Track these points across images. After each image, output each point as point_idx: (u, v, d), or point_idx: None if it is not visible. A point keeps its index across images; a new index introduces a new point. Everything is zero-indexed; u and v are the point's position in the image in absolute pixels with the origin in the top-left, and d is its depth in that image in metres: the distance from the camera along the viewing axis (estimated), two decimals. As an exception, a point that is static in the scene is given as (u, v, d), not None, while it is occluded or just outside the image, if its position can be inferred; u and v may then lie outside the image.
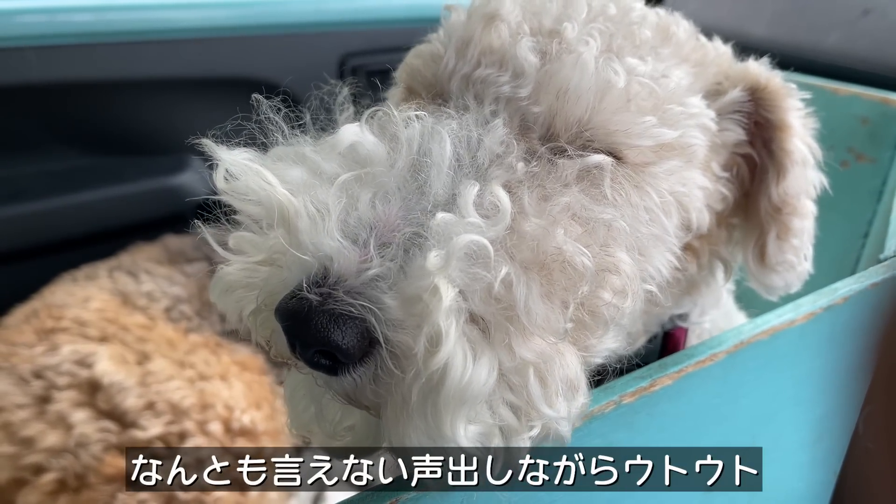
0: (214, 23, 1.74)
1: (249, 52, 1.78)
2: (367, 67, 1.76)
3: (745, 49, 1.69)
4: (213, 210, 0.59)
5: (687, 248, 0.76)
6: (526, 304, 0.51)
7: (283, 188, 0.54)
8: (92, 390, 1.34)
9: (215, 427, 1.35)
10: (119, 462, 1.28)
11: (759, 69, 0.77)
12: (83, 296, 1.51)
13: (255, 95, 0.60)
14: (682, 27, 0.76)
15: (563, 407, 0.54)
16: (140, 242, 1.70)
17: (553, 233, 0.55)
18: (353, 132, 0.59)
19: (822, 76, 1.54)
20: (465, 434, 0.49)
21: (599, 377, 0.73)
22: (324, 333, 0.48)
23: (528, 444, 0.54)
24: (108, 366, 1.36)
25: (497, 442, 0.52)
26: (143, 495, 1.26)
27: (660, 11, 0.77)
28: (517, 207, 0.57)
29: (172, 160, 1.67)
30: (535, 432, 0.54)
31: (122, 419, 1.32)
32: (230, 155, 0.57)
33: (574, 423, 0.57)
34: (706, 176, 0.72)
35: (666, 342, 0.85)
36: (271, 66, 1.77)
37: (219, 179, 0.56)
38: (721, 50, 0.79)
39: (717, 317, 0.93)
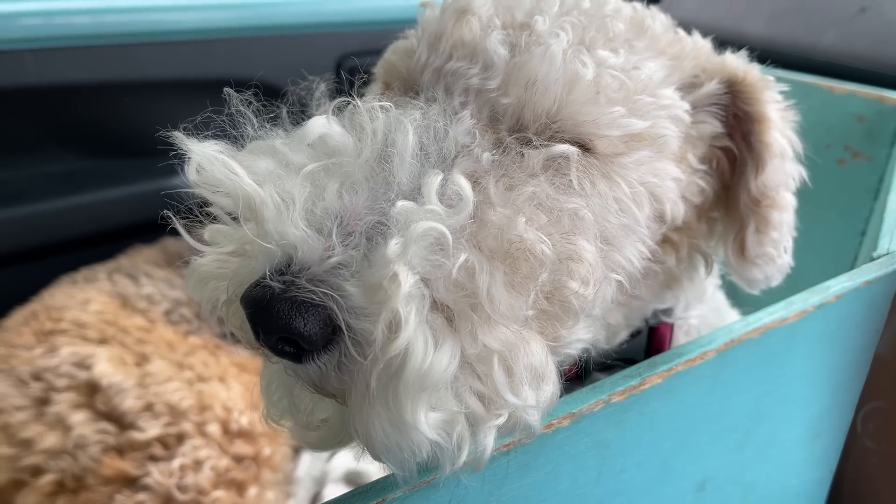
0: (211, 25, 1.75)
1: (246, 54, 1.79)
2: (364, 68, 1.76)
3: (742, 47, 1.69)
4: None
5: (665, 240, 0.76)
6: (489, 291, 0.52)
7: (250, 178, 0.54)
8: (90, 392, 1.35)
9: (213, 428, 1.35)
10: (117, 463, 1.28)
11: (737, 62, 0.77)
12: (82, 298, 1.51)
13: (227, 90, 0.60)
14: (658, 21, 0.76)
15: (529, 395, 0.54)
16: (139, 245, 1.71)
17: (516, 221, 0.55)
18: (320, 124, 0.60)
19: (820, 74, 1.53)
20: (427, 421, 0.50)
21: (579, 370, 0.73)
22: (285, 320, 0.49)
23: (494, 432, 0.54)
24: (106, 367, 1.36)
25: (460, 429, 0.52)
26: (141, 496, 1.26)
27: (636, 5, 0.77)
28: (482, 197, 0.57)
29: (170, 162, 1.67)
30: (501, 421, 0.54)
31: (120, 420, 1.32)
32: (200, 147, 0.57)
33: (543, 412, 0.58)
34: (680, 167, 0.72)
35: (651, 338, 0.85)
36: (268, 67, 1.77)
37: (191, 172, 0.56)
38: (699, 43, 0.79)
39: (707, 313, 0.93)
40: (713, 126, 0.76)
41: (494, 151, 0.62)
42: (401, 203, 0.52)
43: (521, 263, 0.55)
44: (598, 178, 0.65)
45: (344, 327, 0.50)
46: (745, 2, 1.77)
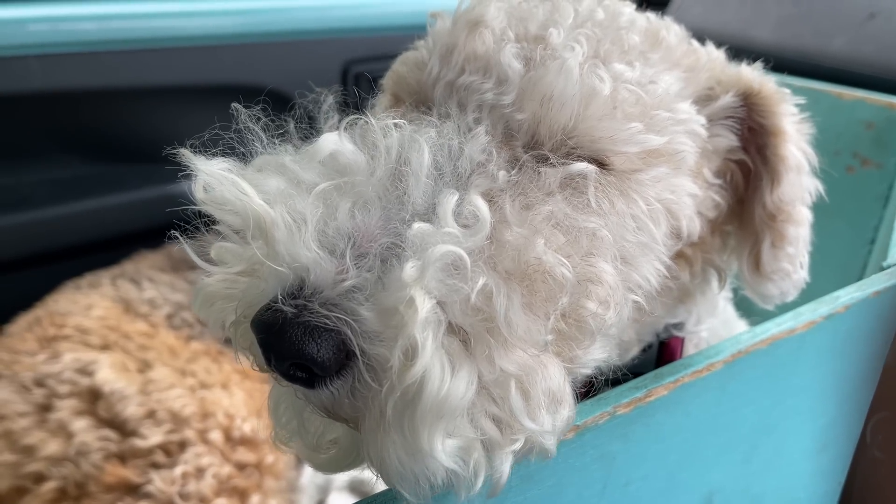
0: (218, 31, 1.75)
1: (252, 60, 1.78)
2: (370, 74, 1.76)
3: (750, 54, 1.68)
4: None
5: (679, 255, 0.74)
6: (506, 315, 0.50)
7: (260, 198, 0.53)
8: (93, 398, 1.34)
9: (216, 436, 1.34)
10: (119, 471, 1.27)
11: (752, 74, 0.76)
12: (86, 303, 1.51)
13: (234, 105, 0.59)
14: (672, 32, 0.75)
15: (546, 420, 0.53)
16: (143, 250, 1.70)
17: (534, 242, 0.54)
18: (332, 141, 0.58)
19: (828, 81, 1.52)
20: (444, 449, 0.48)
21: (589, 388, 0.72)
22: (298, 346, 0.48)
23: (511, 458, 0.53)
24: (108, 374, 1.36)
25: (477, 456, 0.51)
26: (143, 504, 1.26)
27: (650, 16, 0.76)
28: (499, 216, 0.56)
29: (175, 168, 1.67)
30: (517, 446, 0.53)
31: (122, 428, 1.32)
32: (207, 165, 0.56)
33: (559, 437, 0.56)
34: (696, 183, 0.70)
35: (662, 352, 0.84)
36: (274, 73, 1.77)
37: (198, 190, 0.55)
38: (714, 55, 0.78)
39: (717, 325, 0.92)
40: (728, 140, 0.75)
41: (510, 169, 0.61)
42: (417, 225, 0.51)
43: (540, 286, 0.53)
44: (616, 195, 0.63)
45: (358, 353, 0.49)
46: (753, 8, 1.76)
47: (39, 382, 1.36)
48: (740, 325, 1.02)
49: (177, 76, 1.71)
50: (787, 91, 0.77)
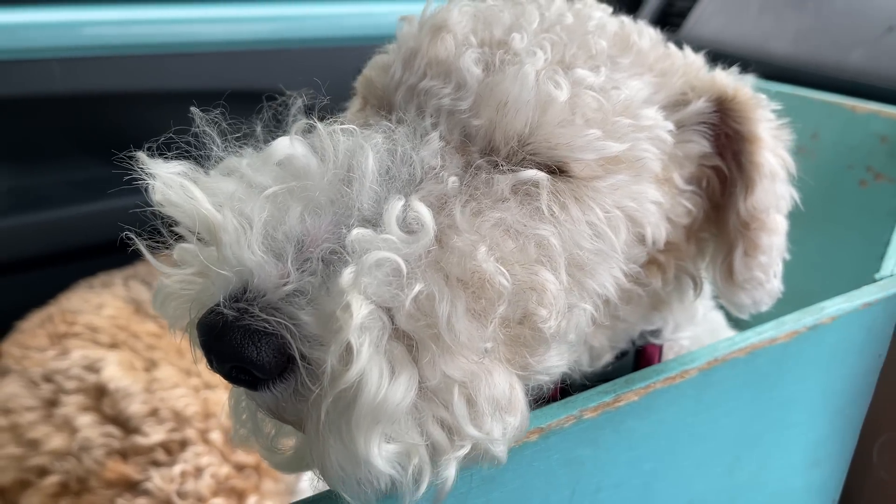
0: (236, 37, 1.78)
1: (270, 66, 1.81)
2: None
3: (767, 66, 1.66)
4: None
5: (651, 262, 0.73)
6: (449, 321, 0.51)
7: (209, 202, 0.54)
8: (98, 395, 1.36)
9: (216, 436, 1.35)
10: (120, 467, 1.29)
11: (727, 79, 0.75)
12: (97, 302, 1.54)
13: (192, 108, 0.59)
14: (646, 36, 0.74)
15: (493, 427, 0.53)
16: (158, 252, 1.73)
17: (478, 249, 0.54)
18: (283, 145, 0.59)
19: (846, 94, 1.50)
20: (380, 453, 0.48)
21: (561, 395, 0.71)
22: (237, 349, 0.48)
23: (455, 464, 0.52)
24: (115, 371, 1.38)
25: (417, 461, 0.51)
26: (141, 501, 1.27)
27: (625, 20, 0.75)
28: (448, 221, 0.56)
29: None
30: (463, 452, 0.53)
31: (125, 425, 1.34)
32: (160, 168, 0.56)
33: (510, 444, 0.56)
34: (663, 189, 0.69)
35: (638, 359, 0.83)
36: (291, 78, 1.79)
37: (156, 193, 0.55)
38: (690, 59, 0.77)
39: (700, 334, 0.90)
40: (701, 145, 0.74)
41: (463, 175, 0.61)
42: (356, 231, 0.51)
43: (482, 293, 0.54)
44: (571, 202, 0.62)
45: (298, 356, 0.49)
46: (771, 21, 1.74)
47: (47, 378, 1.38)
48: (727, 335, 1.00)
49: (195, 81, 1.74)
50: (764, 97, 0.76)
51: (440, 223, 0.55)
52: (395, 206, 0.53)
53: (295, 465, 0.60)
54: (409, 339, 0.51)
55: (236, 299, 0.50)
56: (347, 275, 0.48)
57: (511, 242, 0.57)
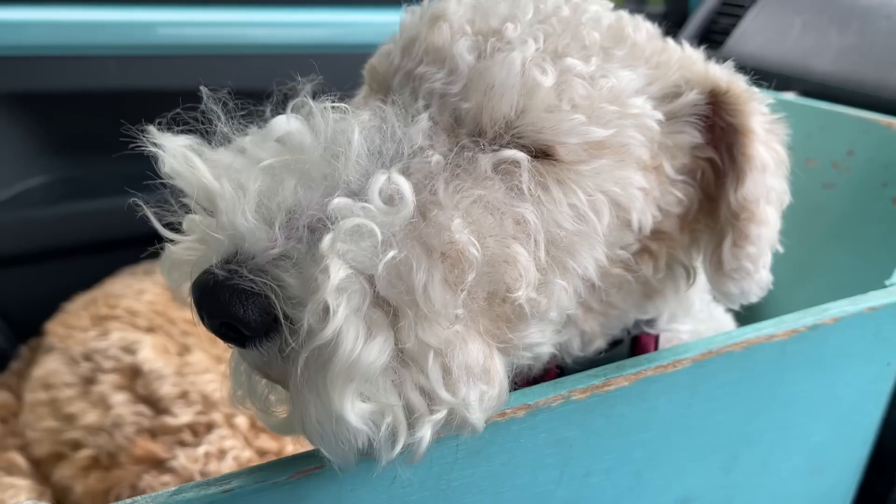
0: (280, 40, 1.84)
1: (308, 68, 1.87)
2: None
3: (809, 84, 1.64)
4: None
5: (644, 250, 0.75)
6: (425, 289, 0.54)
7: (209, 172, 0.58)
8: (133, 375, 1.42)
9: (241, 421, 1.40)
10: (149, 445, 1.34)
11: (720, 73, 0.76)
12: (138, 288, 1.60)
13: (202, 87, 0.64)
14: (642, 30, 0.76)
15: (469, 394, 0.56)
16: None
17: (453, 222, 0.57)
18: (282, 122, 0.63)
19: (887, 112, 1.48)
20: (354, 410, 0.51)
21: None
22: (225, 306, 0.52)
23: (430, 426, 0.55)
24: (149, 354, 1.44)
25: (391, 421, 0.54)
26: (166, 478, 1.32)
27: (623, 14, 0.77)
28: (431, 197, 0.59)
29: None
30: (439, 416, 0.56)
31: (156, 405, 1.39)
32: (167, 140, 0.61)
33: (488, 414, 0.59)
34: (648, 177, 0.71)
35: (633, 348, 0.84)
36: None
37: (164, 163, 0.60)
38: (689, 53, 0.79)
39: (705, 332, 0.90)
40: (692, 136, 0.75)
41: (448, 154, 0.64)
42: (337, 199, 0.55)
43: (458, 264, 0.57)
44: (553, 184, 0.65)
45: (281, 316, 0.53)
46: (813, 39, 1.73)
47: (87, 357, 1.45)
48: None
49: (241, 80, 1.81)
50: (757, 91, 0.77)
51: (424, 198, 0.59)
52: (378, 179, 0.57)
53: (288, 427, 0.63)
54: (389, 307, 0.54)
55: (228, 261, 0.54)
56: (327, 240, 0.52)
57: (490, 218, 0.60)
